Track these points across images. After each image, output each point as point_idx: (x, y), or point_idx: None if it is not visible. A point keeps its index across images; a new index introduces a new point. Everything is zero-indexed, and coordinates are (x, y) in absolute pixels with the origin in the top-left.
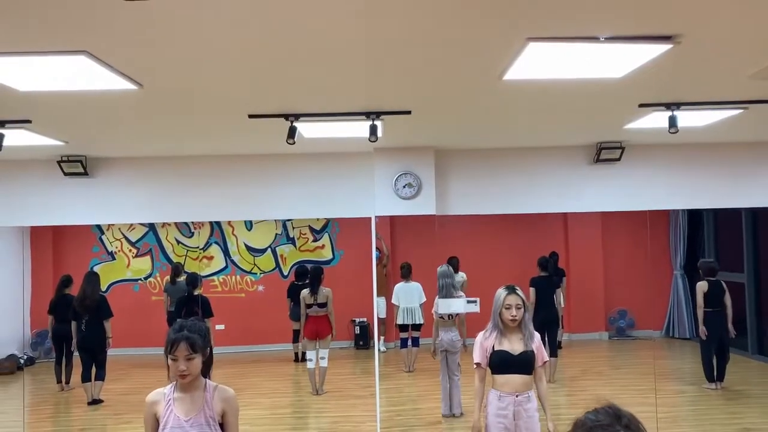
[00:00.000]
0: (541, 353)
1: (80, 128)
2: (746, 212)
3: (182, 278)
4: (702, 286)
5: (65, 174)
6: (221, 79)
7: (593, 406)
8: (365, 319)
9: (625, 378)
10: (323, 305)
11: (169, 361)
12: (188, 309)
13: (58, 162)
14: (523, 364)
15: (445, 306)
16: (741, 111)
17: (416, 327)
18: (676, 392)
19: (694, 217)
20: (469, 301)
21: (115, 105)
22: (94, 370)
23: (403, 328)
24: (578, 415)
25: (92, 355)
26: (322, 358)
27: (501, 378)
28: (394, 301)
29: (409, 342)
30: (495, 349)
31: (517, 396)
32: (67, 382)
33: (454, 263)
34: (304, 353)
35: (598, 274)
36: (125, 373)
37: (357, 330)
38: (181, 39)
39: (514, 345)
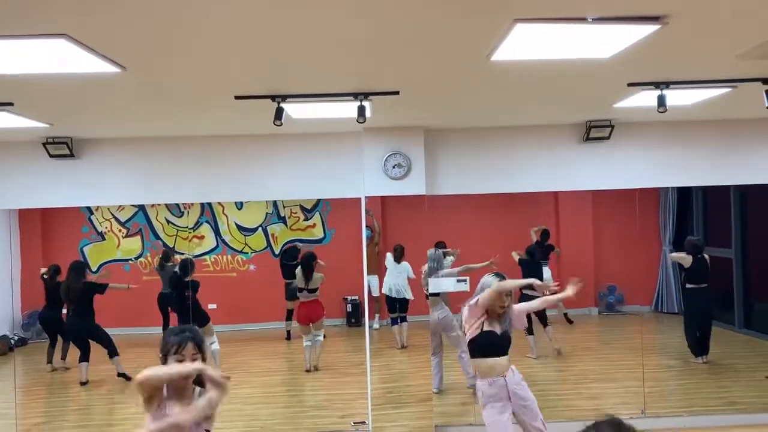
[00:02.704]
0: (520, 312)
1: (64, 110)
2: (735, 189)
3: (171, 263)
4: (681, 258)
5: (51, 156)
6: (206, 61)
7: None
8: (357, 297)
9: (613, 353)
10: (314, 291)
11: (174, 362)
12: (179, 292)
13: (44, 144)
14: (506, 343)
15: (435, 285)
16: (729, 89)
17: (403, 305)
18: (663, 367)
19: (684, 193)
20: (459, 280)
21: (99, 87)
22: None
23: (392, 308)
24: (567, 393)
25: (84, 340)
26: (317, 337)
27: (486, 362)
28: (386, 263)
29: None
30: (483, 329)
31: (505, 377)
32: (63, 357)
33: (441, 248)
34: (288, 331)
35: (588, 251)
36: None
37: (349, 308)
38: (164, 20)
39: (496, 327)
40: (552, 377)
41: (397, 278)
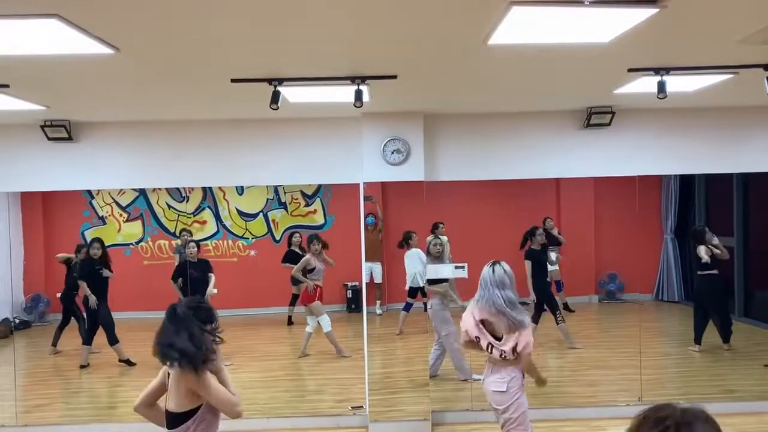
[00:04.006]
0: None
1: (60, 93)
2: (737, 177)
3: (180, 244)
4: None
5: (49, 139)
6: (201, 43)
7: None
8: (357, 283)
9: (613, 341)
10: (311, 272)
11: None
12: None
13: (42, 126)
14: None
15: (433, 271)
16: (731, 76)
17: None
18: (662, 354)
19: (686, 181)
20: (456, 267)
21: (93, 69)
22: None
23: (412, 294)
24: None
25: (93, 320)
26: (320, 322)
27: None
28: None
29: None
30: None
31: None
32: (54, 344)
33: (440, 232)
34: (290, 316)
35: (589, 238)
36: (119, 335)
37: (349, 294)
38: (157, 1)
39: None
40: (550, 364)
41: (414, 266)
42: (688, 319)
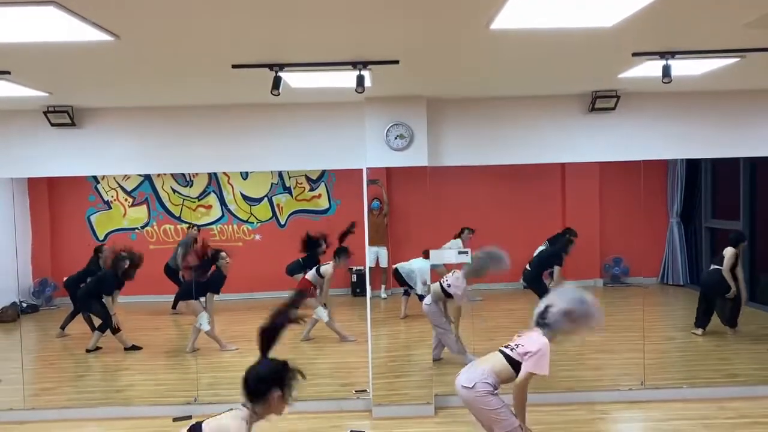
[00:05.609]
0: None
1: (62, 79)
2: (744, 161)
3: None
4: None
5: (52, 125)
6: (201, 28)
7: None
8: (362, 268)
9: (616, 324)
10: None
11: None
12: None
13: (44, 113)
14: None
15: (437, 257)
16: (737, 59)
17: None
18: (666, 339)
19: (693, 164)
20: (460, 252)
21: (93, 56)
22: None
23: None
24: (569, 363)
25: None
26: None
27: None
28: None
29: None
30: None
31: None
32: (62, 327)
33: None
34: None
35: (594, 222)
36: (122, 320)
37: (354, 278)
38: None
39: None
40: (552, 348)
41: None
42: (692, 303)
